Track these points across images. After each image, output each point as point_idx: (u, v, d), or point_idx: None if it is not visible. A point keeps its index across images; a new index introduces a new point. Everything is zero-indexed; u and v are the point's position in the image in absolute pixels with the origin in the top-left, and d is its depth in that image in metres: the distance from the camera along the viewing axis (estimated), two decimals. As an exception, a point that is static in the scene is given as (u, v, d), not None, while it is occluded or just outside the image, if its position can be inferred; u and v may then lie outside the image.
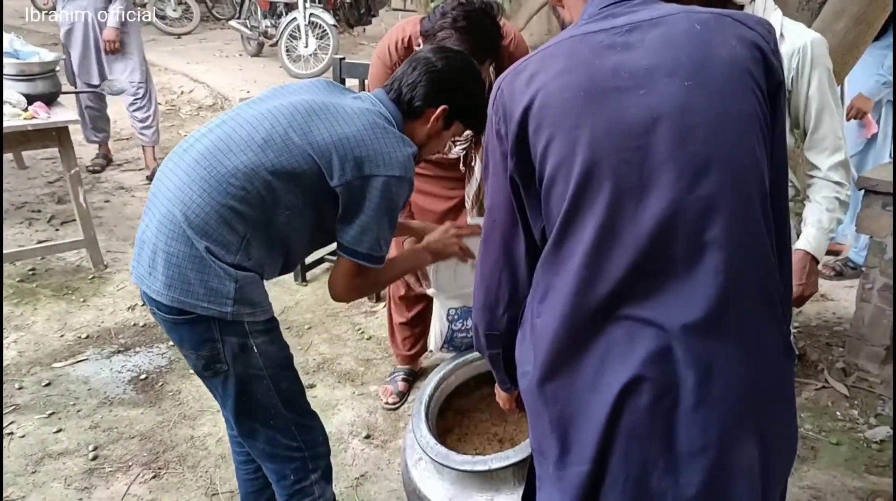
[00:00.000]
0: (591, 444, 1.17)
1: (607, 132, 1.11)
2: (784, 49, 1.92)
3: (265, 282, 1.81)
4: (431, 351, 2.80)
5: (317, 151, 1.68)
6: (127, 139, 6.27)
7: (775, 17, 1.97)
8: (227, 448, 2.70)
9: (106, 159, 5.65)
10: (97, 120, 5.43)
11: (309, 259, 3.88)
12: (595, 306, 1.15)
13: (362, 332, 3.48)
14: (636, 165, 1.11)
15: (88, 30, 5.03)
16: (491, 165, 1.28)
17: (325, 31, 7.81)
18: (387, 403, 2.96)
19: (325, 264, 4.06)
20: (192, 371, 3.10)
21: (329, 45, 7.75)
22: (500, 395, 1.65)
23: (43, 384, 3.05)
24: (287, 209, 1.71)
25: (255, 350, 1.75)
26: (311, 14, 7.77)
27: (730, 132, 1.12)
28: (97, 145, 5.63)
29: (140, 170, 5.60)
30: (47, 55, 3.91)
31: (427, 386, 2.16)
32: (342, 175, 1.69)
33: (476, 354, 2.21)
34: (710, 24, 1.15)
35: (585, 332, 1.17)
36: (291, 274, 3.89)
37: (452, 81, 1.83)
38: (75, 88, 5.15)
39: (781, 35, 1.95)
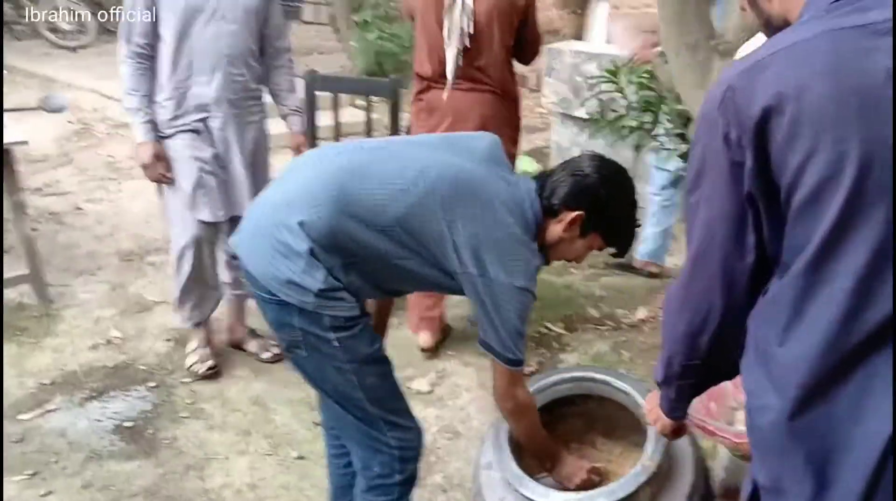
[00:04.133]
0: (859, 479, 1.07)
1: (885, 146, 1.01)
2: None
3: None
4: None
5: (453, 235, 1.69)
6: (41, 161, 5.75)
7: None
8: (246, 498, 2.45)
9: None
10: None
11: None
12: (862, 335, 1.05)
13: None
14: None
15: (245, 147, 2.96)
16: (711, 173, 1.15)
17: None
18: None
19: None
20: (184, 416, 2.85)
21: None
22: (665, 423, 1.53)
23: (13, 439, 2.68)
24: (397, 258, 1.72)
25: (337, 344, 1.73)
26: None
27: None
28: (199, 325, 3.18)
29: (64, 194, 5.14)
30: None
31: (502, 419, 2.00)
32: (467, 266, 1.70)
33: (548, 381, 2.07)
34: None
35: (847, 361, 1.07)
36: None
37: (595, 190, 1.78)
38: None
39: None
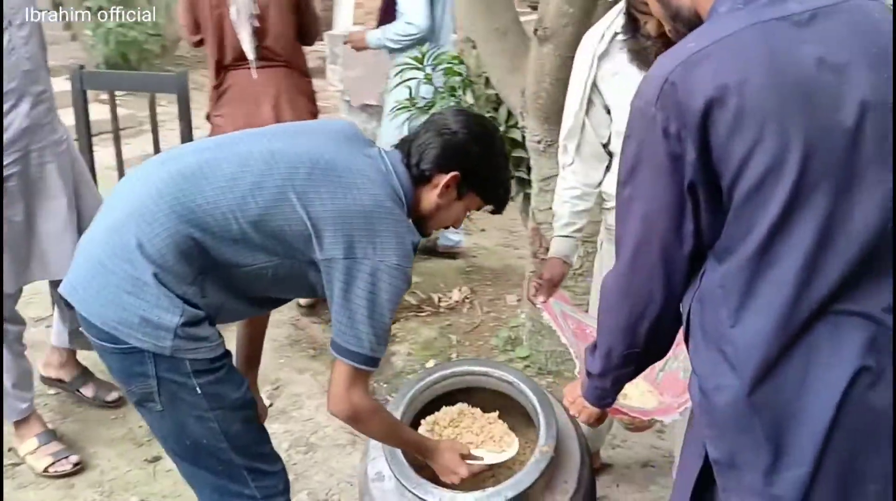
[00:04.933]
0: (812, 444, 1.15)
1: (822, 131, 1.08)
2: None
3: None
4: None
5: (312, 219, 1.53)
6: None
7: None
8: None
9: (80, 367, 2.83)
10: None
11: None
12: (810, 309, 1.13)
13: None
14: (848, 163, 1.09)
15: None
16: (648, 167, 1.16)
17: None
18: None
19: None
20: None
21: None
22: (591, 412, 1.53)
23: None
24: (254, 264, 1.56)
25: (199, 391, 1.56)
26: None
27: None
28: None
29: None
30: None
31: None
32: (331, 250, 1.53)
33: (428, 380, 2.02)
34: (881, 10, 1.17)
35: (795, 334, 1.14)
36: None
37: (466, 147, 1.67)
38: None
39: None
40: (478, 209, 1.82)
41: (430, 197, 1.69)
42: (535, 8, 5.37)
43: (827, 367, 1.13)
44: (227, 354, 1.62)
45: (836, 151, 1.09)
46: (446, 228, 1.84)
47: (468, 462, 1.83)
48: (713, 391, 1.21)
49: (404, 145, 1.72)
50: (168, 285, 1.48)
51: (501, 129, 3.05)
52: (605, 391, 1.44)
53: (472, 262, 4.23)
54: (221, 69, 3.20)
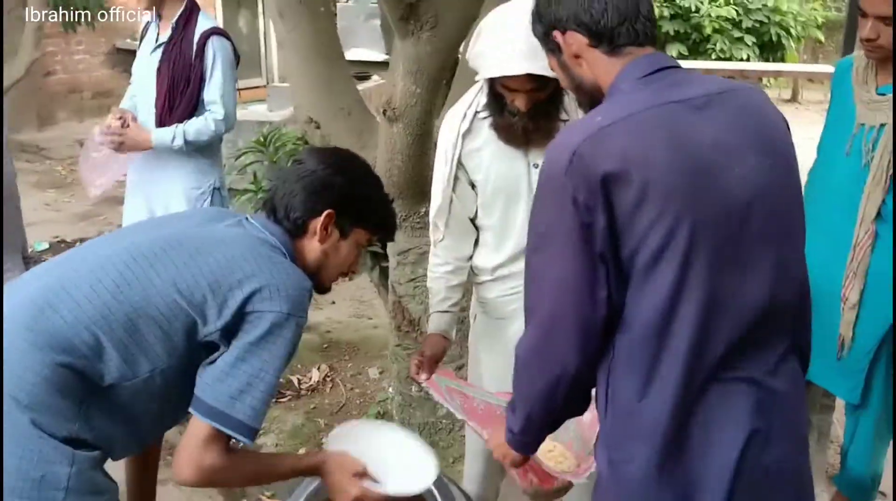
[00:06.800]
0: None
1: (713, 211, 1.16)
2: None
3: None
4: None
5: (186, 296, 1.40)
6: None
7: None
8: None
9: None
10: None
11: None
12: (701, 379, 1.19)
13: None
14: (735, 242, 1.18)
15: None
16: (560, 234, 1.19)
17: None
18: None
19: None
20: None
21: None
22: (515, 457, 1.49)
23: None
24: (138, 375, 1.41)
25: None
26: None
27: (798, 204, 1.27)
28: None
29: None
30: None
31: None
32: (219, 318, 1.41)
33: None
34: (765, 99, 1.28)
35: (693, 402, 1.20)
36: None
37: (329, 181, 1.58)
38: None
39: None
40: (368, 244, 1.73)
41: (313, 246, 1.61)
42: (359, 78, 5.46)
43: (721, 430, 1.20)
44: None
45: (726, 229, 1.16)
46: (344, 275, 1.73)
47: (367, 485, 1.62)
48: (624, 462, 1.24)
49: (267, 205, 1.63)
50: (49, 431, 1.34)
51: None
52: (528, 444, 1.45)
53: (326, 337, 4.13)
54: None
